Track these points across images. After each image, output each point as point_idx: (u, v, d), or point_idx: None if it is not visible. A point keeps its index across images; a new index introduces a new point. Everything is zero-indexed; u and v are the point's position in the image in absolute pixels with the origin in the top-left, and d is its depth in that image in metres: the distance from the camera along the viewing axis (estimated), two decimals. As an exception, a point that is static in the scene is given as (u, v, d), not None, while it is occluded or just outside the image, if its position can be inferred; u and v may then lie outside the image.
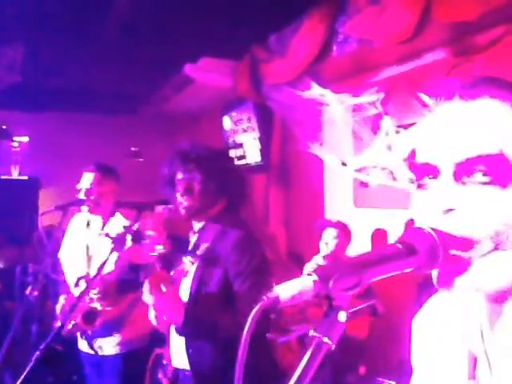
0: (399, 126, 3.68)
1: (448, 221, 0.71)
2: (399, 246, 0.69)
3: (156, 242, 1.99)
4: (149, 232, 1.97)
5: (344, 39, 3.70)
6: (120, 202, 2.81)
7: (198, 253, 2.12)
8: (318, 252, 4.27)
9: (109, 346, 2.87)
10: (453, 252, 0.71)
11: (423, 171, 0.77)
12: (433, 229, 0.70)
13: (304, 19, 3.84)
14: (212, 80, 5.02)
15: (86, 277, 2.83)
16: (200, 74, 4.95)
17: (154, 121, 6.53)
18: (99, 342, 2.87)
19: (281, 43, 4.23)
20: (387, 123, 3.71)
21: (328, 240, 3.94)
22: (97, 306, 2.75)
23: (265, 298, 0.59)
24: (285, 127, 5.09)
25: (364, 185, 4.46)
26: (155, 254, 1.97)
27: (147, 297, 1.93)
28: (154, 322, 2.10)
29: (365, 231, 4.39)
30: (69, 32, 4.24)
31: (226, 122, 6.08)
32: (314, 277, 0.61)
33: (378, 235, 4.40)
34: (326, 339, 0.61)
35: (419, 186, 0.78)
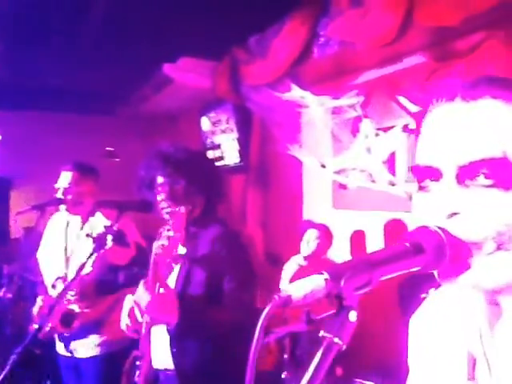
0: (379, 129, 3.75)
1: (452, 225, 0.71)
2: (407, 244, 0.69)
3: (177, 242, 1.95)
4: (170, 233, 1.93)
5: (325, 41, 3.71)
6: (101, 202, 2.76)
7: (181, 253, 2.10)
8: (295, 253, 4.28)
9: (87, 347, 2.81)
10: (459, 252, 0.71)
11: (425, 174, 0.76)
12: (440, 228, 0.70)
13: (285, 21, 3.84)
14: (191, 80, 4.99)
15: (63, 278, 2.77)
16: (179, 74, 4.91)
17: (132, 121, 6.46)
18: (77, 344, 2.81)
19: (261, 45, 4.23)
20: (367, 126, 3.79)
21: (309, 240, 3.96)
22: (75, 307, 2.69)
23: (276, 297, 0.58)
24: (264, 128, 5.09)
25: (343, 186, 4.49)
26: (155, 253, 1.93)
27: (141, 296, 1.89)
28: (126, 323, 1.99)
29: (343, 233, 4.42)
30: (45, 30, 4.16)
31: (205, 123, 6.05)
32: (326, 275, 0.60)
33: (357, 237, 4.43)
34: (336, 339, 0.60)
35: (421, 189, 0.78)
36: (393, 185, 3.97)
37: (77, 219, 2.89)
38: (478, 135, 0.71)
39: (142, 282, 1.93)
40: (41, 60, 4.70)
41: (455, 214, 0.71)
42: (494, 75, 0.75)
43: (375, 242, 4.22)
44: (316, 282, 0.59)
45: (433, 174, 0.74)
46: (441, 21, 2.76)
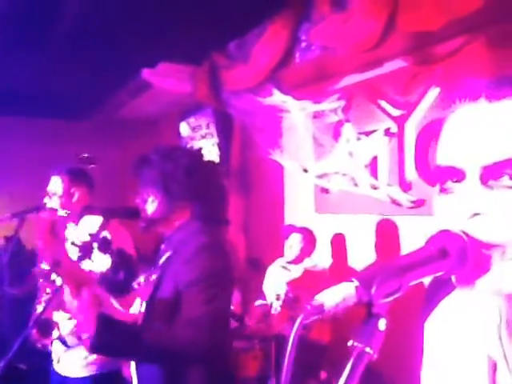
0: (360, 133, 3.77)
1: (475, 225, 0.70)
2: (432, 248, 0.67)
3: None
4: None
5: (307, 46, 3.72)
6: (86, 208, 2.70)
7: (160, 263, 2.04)
8: (277, 258, 4.26)
9: (76, 366, 2.71)
10: (480, 255, 0.70)
11: (447, 175, 0.75)
12: (462, 231, 0.69)
13: (266, 25, 3.83)
14: (170, 85, 4.94)
15: (50, 286, 2.69)
16: (158, 80, 4.86)
17: (109, 126, 6.37)
18: (65, 361, 2.71)
19: (242, 49, 4.21)
20: (348, 130, 3.80)
21: (293, 245, 3.95)
22: (57, 317, 2.62)
23: (309, 306, 0.56)
24: (245, 134, 5.08)
25: (325, 191, 4.50)
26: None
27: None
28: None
29: (326, 237, 4.42)
30: (19, 34, 4.08)
31: (184, 129, 6.01)
32: (356, 283, 0.58)
33: (337, 240, 4.44)
34: (368, 349, 0.58)
35: (442, 190, 0.77)
36: (375, 188, 3.99)
37: (70, 225, 2.82)
38: (502, 136, 0.70)
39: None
40: (14, 65, 4.61)
41: (478, 214, 0.70)
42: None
43: (357, 246, 4.24)
44: (347, 290, 0.58)
45: (456, 174, 0.73)
46: (423, 26, 2.79)
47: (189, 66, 4.84)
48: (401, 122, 3.76)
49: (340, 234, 4.41)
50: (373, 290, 0.58)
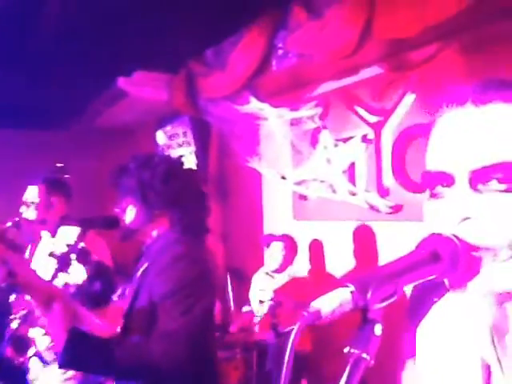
0: (338, 140, 3.78)
1: (465, 229, 0.70)
2: (424, 252, 0.67)
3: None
4: None
5: (284, 54, 3.73)
6: (63, 218, 2.65)
7: (138, 274, 2.00)
8: (259, 266, 4.25)
9: (56, 382, 2.62)
10: (471, 258, 0.70)
11: (437, 180, 0.75)
12: (454, 235, 0.69)
13: (243, 33, 3.84)
14: (147, 94, 4.90)
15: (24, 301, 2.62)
16: (134, 88, 4.82)
17: (87, 135, 6.29)
18: (45, 378, 2.63)
19: (219, 57, 4.21)
20: (326, 137, 3.82)
21: (275, 254, 3.94)
22: (33, 333, 2.55)
23: (305, 313, 0.55)
24: (222, 141, 5.07)
25: (303, 198, 4.51)
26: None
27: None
28: None
29: (305, 244, 4.43)
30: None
31: (160, 137, 5.97)
32: (352, 288, 0.57)
33: (316, 247, 4.45)
34: (364, 355, 0.57)
35: (432, 196, 0.77)
36: (353, 195, 4.01)
37: (45, 235, 2.76)
38: (489, 140, 0.71)
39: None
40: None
41: (468, 218, 0.70)
42: (503, 78, 0.75)
43: (336, 252, 4.25)
44: (343, 295, 0.57)
45: (445, 179, 0.73)
46: (398, 33, 2.82)
47: (165, 74, 4.81)
48: (377, 128, 3.79)
49: (318, 240, 4.41)
50: (368, 295, 0.57)
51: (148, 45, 4.17)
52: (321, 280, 4.18)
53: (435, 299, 0.84)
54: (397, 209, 3.66)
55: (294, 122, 4.34)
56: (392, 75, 3.58)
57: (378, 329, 0.59)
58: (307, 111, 4.22)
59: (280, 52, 3.77)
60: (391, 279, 0.60)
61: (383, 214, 3.77)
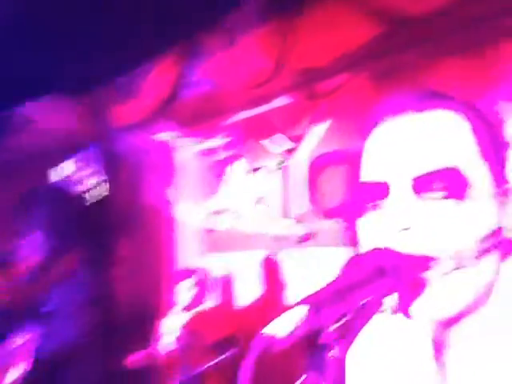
0: (250, 169, 3.79)
1: (405, 240, 0.68)
2: (368, 268, 0.64)
3: None
4: None
5: (196, 82, 3.72)
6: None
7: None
8: (169, 303, 4.06)
9: None
10: (412, 273, 0.68)
11: (374, 191, 0.73)
12: (394, 247, 0.67)
13: (156, 61, 3.78)
14: (55, 121, 4.68)
15: None
16: (41, 115, 4.59)
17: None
18: None
19: (130, 85, 4.12)
20: (238, 166, 3.83)
21: (186, 291, 3.79)
22: None
23: (257, 341, 0.49)
24: (134, 172, 4.91)
25: (213, 230, 4.43)
26: None
27: None
28: None
29: (216, 276, 4.32)
30: None
31: (68, 167, 5.69)
32: (306, 306, 0.53)
33: (225, 279, 4.37)
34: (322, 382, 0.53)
35: (368, 209, 0.74)
36: (265, 224, 4.01)
37: None
38: (429, 146, 0.70)
39: None
40: None
41: (408, 228, 0.68)
42: (440, 91, 0.75)
43: (245, 282, 4.20)
44: (298, 316, 0.52)
45: (382, 190, 0.71)
46: (312, 62, 2.89)
47: (74, 101, 4.63)
48: (290, 156, 3.84)
49: (228, 272, 4.34)
50: (321, 315, 0.53)
51: (58, 69, 4.00)
52: (230, 313, 4.11)
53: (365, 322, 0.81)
54: (308, 237, 3.69)
55: (206, 152, 4.30)
56: (303, 104, 3.66)
57: (332, 352, 0.55)
58: (219, 140, 4.20)
59: (193, 80, 3.76)
60: (339, 296, 0.56)
61: (293, 242, 3.78)
